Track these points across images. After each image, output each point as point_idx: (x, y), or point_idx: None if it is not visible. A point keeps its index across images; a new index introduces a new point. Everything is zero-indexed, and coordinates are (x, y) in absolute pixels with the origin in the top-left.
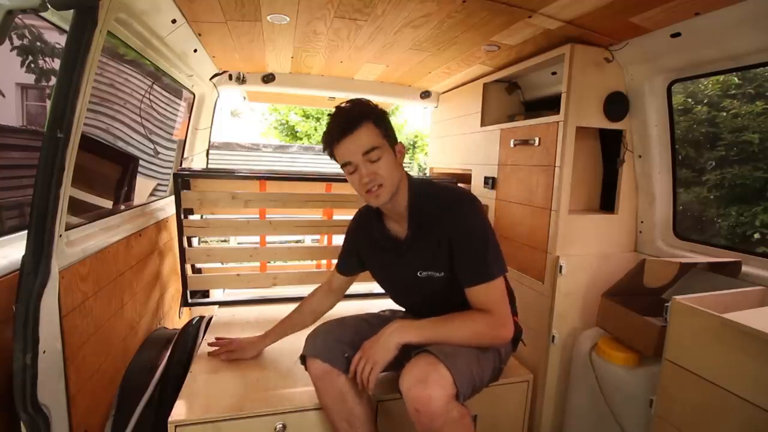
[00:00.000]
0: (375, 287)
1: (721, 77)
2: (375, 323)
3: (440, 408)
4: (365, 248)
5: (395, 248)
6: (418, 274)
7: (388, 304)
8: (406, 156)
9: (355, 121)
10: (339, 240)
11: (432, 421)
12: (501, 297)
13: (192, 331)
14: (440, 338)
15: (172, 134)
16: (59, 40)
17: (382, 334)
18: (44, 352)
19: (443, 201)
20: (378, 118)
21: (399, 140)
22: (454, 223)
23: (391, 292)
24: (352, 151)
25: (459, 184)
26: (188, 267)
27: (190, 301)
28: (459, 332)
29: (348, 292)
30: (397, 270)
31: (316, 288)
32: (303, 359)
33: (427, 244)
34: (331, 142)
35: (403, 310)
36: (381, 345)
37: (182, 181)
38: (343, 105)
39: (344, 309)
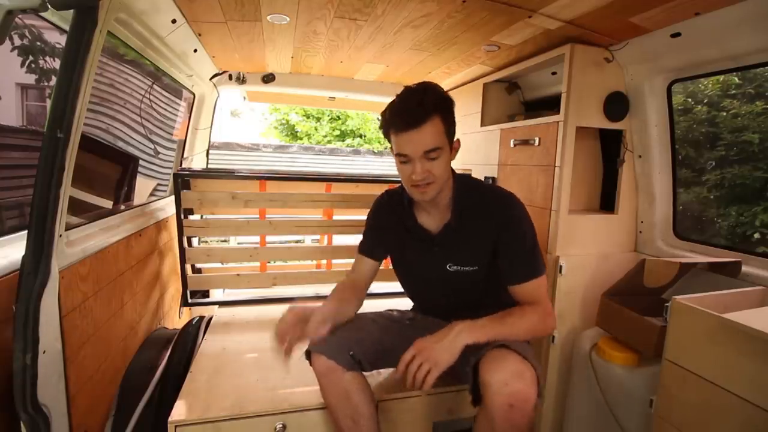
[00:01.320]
0: (378, 287)
1: (721, 77)
2: (382, 323)
3: (532, 406)
4: (392, 233)
5: (425, 240)
6: (448, 267)
7: (394, 303)
8: None
9: (424, 114)
10: (339, 240)
11: (523, 418)
12: (546, 291)
13: (192, 331)
14: (502, 336)
15: (172, 134)
16: (59, 40)
17: (446, 335)
18: (44, 352)
19: (493, 196)
20: (447, 111)
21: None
22: (505, 219)
23: (411, 284)
24: (414, 147)
25: None
26: (188, 267)
27: (190, 301)
28: (518, 328)
29: None
30: (424, 262)
31: (339, 289)
32: (308, 354)
33: (464, 238)
34: (392, 127)
35: (410, 309)
36: (446, 346)
37: (182, 181)
38: (414, 87)
39: None
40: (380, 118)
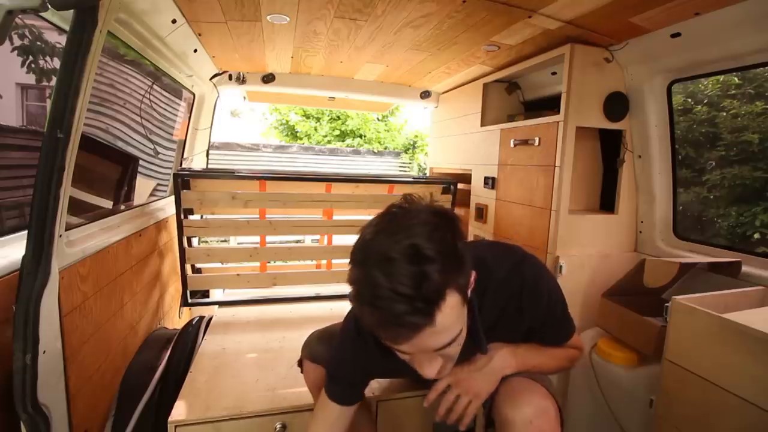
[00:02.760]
0: None
1: (721, 77)
2: None
3: None
4: (388, 365)
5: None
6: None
7: None
8: (406, 156)
9: (432, 304)
10: (339, 240)
11: None
12: (578, 339)
13: (192, 331)
14: (537, 368)
15: (172, 134)
16: (59, 40)
17: (485, 363)
18: (44, 352)
19: (519, 290)
20: (460, 268)
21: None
22: (536, 311)
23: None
24: (421, 348)
25: (459, 185)
26: (188, 267)
27: (190, 301)
28: (550, 363)
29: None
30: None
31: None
32: (300, 363)
33: (491, 338)
34: (386, 336)
35: None
36: (487, 376)
37: (182, 181)
38: (394, 256)
39: (344, 309)
40: (351, 294)
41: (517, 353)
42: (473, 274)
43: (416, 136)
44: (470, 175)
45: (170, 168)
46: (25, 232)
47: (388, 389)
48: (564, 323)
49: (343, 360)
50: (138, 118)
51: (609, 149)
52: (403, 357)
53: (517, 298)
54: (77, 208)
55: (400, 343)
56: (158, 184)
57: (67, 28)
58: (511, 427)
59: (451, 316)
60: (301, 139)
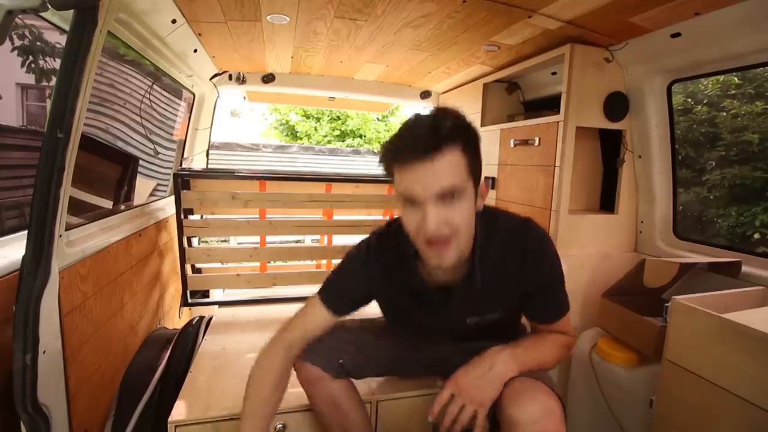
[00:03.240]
0: None
1: (721, 77)
2: (373, 330)
3: None
4: (386, 294)
5: (437, 302)
6: (467, 321)
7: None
8: None
9: (439, 140)
10: (339, 240)
11: None
12: (569, 323)
13: (192, 331)
14: (537, 366)
15: (172, 134)
16: (59, 40)
17: (487, 366)
18: (44, 352)
19: (525, 246)
20: (470, 142)
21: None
22: (539, 272)
23: (409, 333)
24: (424, 185)
25: None
26: (188, 267)
27: (190, 301)
28: (548, 358)
29: None
30: (436, 320)
31: (271, 349)
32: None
33: (488, 290)
34: (395, 159)
35: None
36: (490, 381)
37: (182, 181)
38: (427, 113)
39: None
40: (379, 149)
41: (517, 354)
42: (486, 186)
43: None
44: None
45: (170, 168)
46: (25, 232)
47: (388, 389)
48: (561, 298)
49: (347, 272)
50: (138, 118)
51: (609, 149)
52: (411, 211)
53: (520, 255)
54: (77, 208)
55: (409, 164)
56: (158, 184)
57: (67, 28)
58: (516, 427)
59: (451, 167)
60: (301, 139)
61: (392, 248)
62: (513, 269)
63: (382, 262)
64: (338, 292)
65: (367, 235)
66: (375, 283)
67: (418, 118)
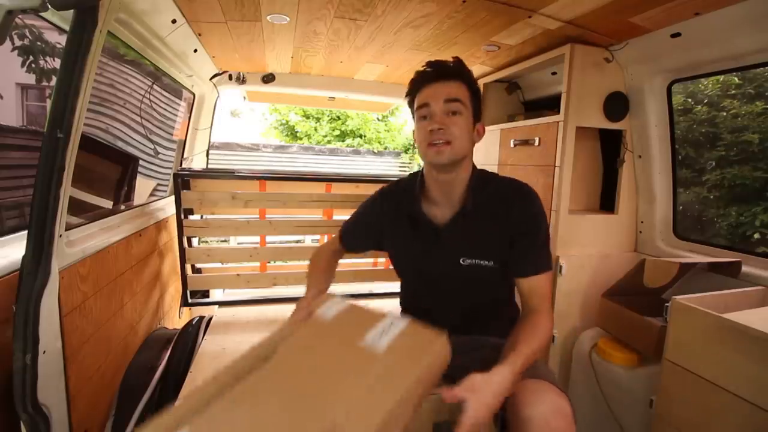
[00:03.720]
0: (376, 287)
1: (721, 77)
2: None
3: None
4: (392, 226)
5: (431, 230)
6: (461, 261)
7: (391, 303)
8: (406, 156)
9: (451, 74)
10: None
11: None
12: (550, 288)
13: (192, 331)
14: (526, 366)
15: (172, 134)
16: (59, 40)
17: (488, 396)
18: (44, 352)
19: (513, 188)
20: (472, 85)
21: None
22: (525, 213)
23: (415, 284)
24: (436, 94)
25: None
26: (188, 267)
27: (190, 301)
28: (536, 352)
29: (348, 291)
30: (430, 256)
31: (324, 250)
32: None
33: (478, 229)
34: (419, 83)
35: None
36: (490, 405)
37: (182, 181)
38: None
39: None
40: (409, 86)
41: (510, 363)
42: (482, 128)
43: None
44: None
45: (170, 168)
46: (25, 232)
47: None
48: (542, 253)
49: (360, 214)
50: (138, 118)
51: (609, 149)
52: (423, 122)
53: (509, 200)
54: (77, 208)
55: (426, 85)
56: (158, 184)
57: (67, 28)
58: (529, 426)
59: (456, 89)
60: (301, 139)
61: (404, 187)
62: (502, 210)
63: (392, 196)
64: (353, 230)
65: (374, 193)
66: (382, 216)
67: (436, 61)
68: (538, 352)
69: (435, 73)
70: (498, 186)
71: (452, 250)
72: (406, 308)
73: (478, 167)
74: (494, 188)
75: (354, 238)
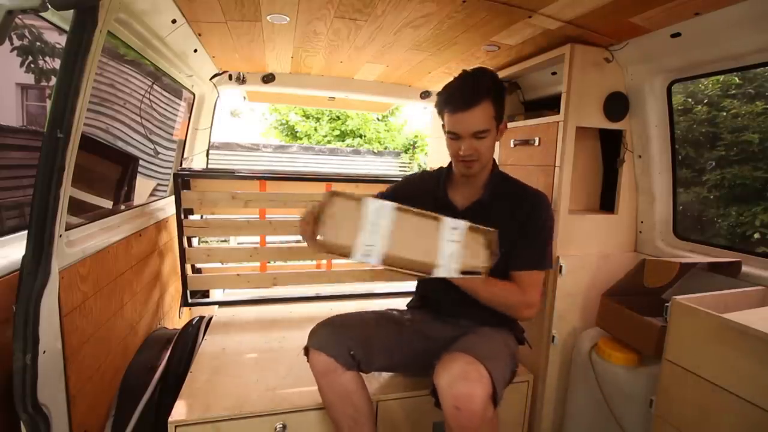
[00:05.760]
0: (376, 287)
1: (721, 77)
2: (383, 323)
3: (481, 406)
4: (419, 202)
5: (451, 215)
6: None
7: (391, 303)
8: (406, 156)
9: (477, 96)
10: None
11: (471, 420)
12: (540, 285)
13: (192, 331)
14: (476, 289)
15: (172, 134)
16: (59, 40)
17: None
18: (44, 352)
19: (529, 188)
20: (498, 95)
21: (504, 119)
22: (534, 210)
23: None
24: (464, 127)
25: None
26: (188, 267)
27: (190, 301)
28: (495, 294)
29: (350, 291)
30: None
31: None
32: (306, 351)
33: (491, 217)
34: (446, 108)
35: (407, 309)
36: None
37: (182, 181)
38: (470, 71)
39: (344, 309)
40: (437, 96)
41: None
42: (505, 126)
43: (416, 136)
44: None
45: (170, 168)
46: (25, 232)
47: (389, 389)
48: (541, 251)
49: (392, 189)
50: (138, 118)
51: (609, 149)
52: (453, 141)
53: (522, 201)
54: (77, 208)
55: (455, 113)
56: (158, 184)
57: (67, 28)
58: (439, 393)
59: (483, 115)
60: (301, 139)
61: (429, 176)
62: (515, 204)
63: (419, 182)
64: (386, 196)
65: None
66: (410, 196)
67: (465, 76)
68: (494, 295)
69: (461, 100)
70: (515, 187)
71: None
72: (417, 294)
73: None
74: (511, 186)
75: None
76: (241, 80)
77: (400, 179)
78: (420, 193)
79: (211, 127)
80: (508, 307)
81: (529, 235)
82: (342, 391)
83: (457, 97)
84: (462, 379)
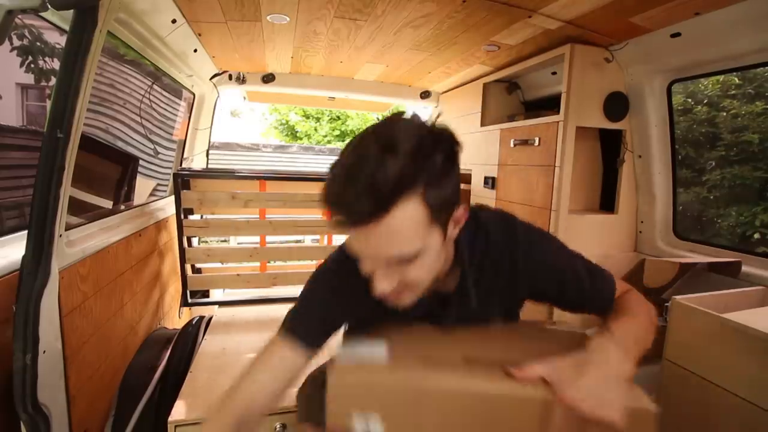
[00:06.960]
0: None
1: (721, 77)
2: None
3: None
4: (368, 318)
5: (440, 303)
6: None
7: None
8: None
9: (382, 201)
10: (339, 240)
11: None
12: (616, 282)
13: (192, 331)
14: (642, 352)
15: (172, 134)
16: (59, 40)
17: (602, 377)
18: (44, 352)
19: (497, 228)
20: (432, 176)
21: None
22: (533, 249)
23: None
24: (369, 252)
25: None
26: (188, 267)
27: (190, 301)
28: (650, 335)
29: None
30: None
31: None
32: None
33: (480, 300)
34: (338, 220)
35: None
36: (614, 390)
37: (182, 181)
38: (367, 139)
39: None
40: (323, 195)
41: (626, 341)
42: (463, 212)
43: None
44: (470, 175)
45: (170, 168)
46: (25, 232)
47: None
48: (594, 271)
49: (319, 291)
50: (138, 118)
51: (609, 149)
52: (365, 268)
53: (511, 258)
54: (77, 208)
55: (351, 233)
56: (158, 184)
57: (67, 28)
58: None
59: (407, 226)
60: (301, 139)
61: (356, 266)
62: (507, 273)
63: (349, 283)
64: (311, 319)
65: (326, 261)
66: (356, 300)
67: (355, 164)
68: (651, 330)
69: (356, 209)
70: (495, 249)
71: (479, 312)
72: None
73: (475, 167)
74: (491, 252)
75: (310, 328)
76: (241, 80)
77: (306, 290)
78: (356, 303)
79: (211, 127)
80: (651, 319)
81: (558, 273)
82: None
83: (346, 206)
84: None
